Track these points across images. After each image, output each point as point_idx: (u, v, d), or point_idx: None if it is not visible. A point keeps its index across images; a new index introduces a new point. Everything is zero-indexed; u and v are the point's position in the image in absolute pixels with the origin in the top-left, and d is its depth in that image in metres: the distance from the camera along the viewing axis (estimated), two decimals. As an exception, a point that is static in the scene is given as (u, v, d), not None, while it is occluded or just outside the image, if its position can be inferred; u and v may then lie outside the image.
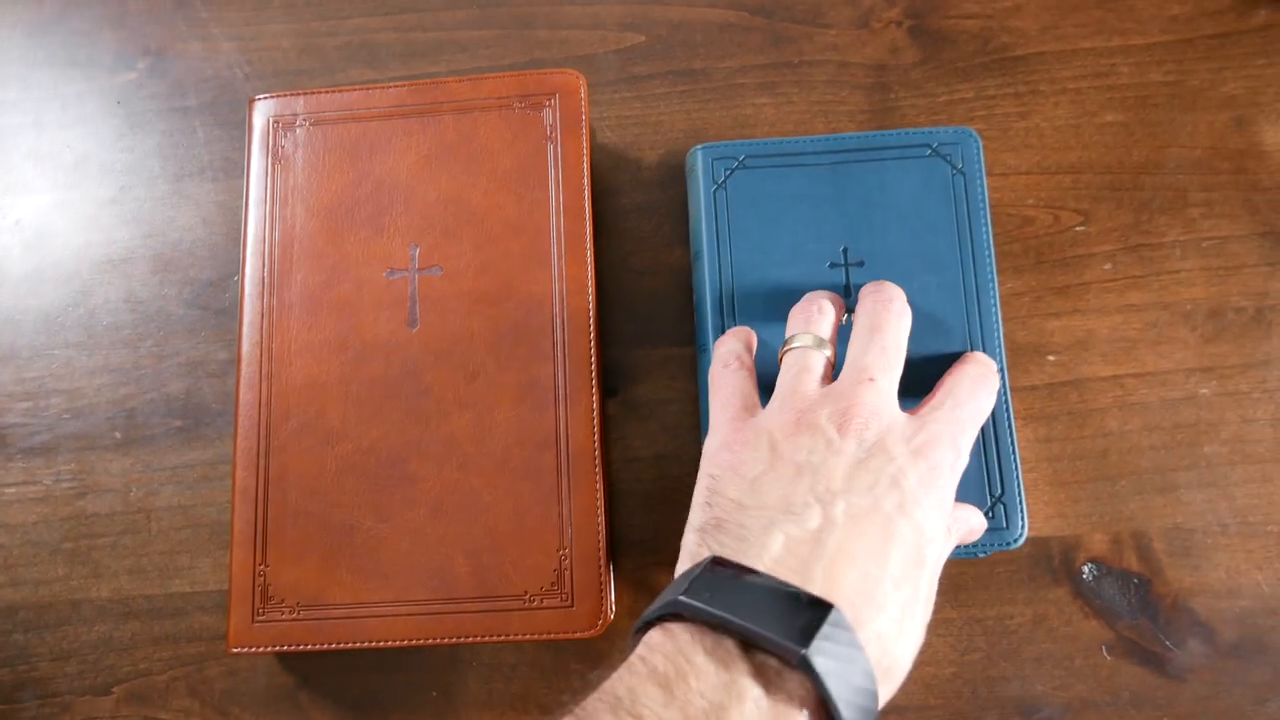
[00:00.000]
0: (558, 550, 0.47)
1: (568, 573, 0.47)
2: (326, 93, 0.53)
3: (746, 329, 0.47)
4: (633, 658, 0.36)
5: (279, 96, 0.53)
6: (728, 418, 0.43)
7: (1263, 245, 0.53)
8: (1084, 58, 0.56)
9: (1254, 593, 0.49)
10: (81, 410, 0.55)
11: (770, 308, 0.49)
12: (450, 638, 0.46)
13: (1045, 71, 0.56)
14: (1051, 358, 0.52)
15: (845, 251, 0.50)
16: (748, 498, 0.39)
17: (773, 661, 0.34)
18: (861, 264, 0.50)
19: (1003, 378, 0.48)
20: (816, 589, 0.36)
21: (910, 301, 0.48)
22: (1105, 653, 0.49)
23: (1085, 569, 0.50)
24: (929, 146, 0.51)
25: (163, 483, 0.53)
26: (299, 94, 0.53)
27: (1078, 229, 0.53)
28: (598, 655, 0.50)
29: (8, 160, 0.58)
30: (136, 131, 0.58)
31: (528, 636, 0.46)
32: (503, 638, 0.46)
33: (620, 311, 0.54)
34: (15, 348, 0.56)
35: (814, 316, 0.45)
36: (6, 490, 0.54)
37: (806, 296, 0.46)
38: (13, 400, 0.55)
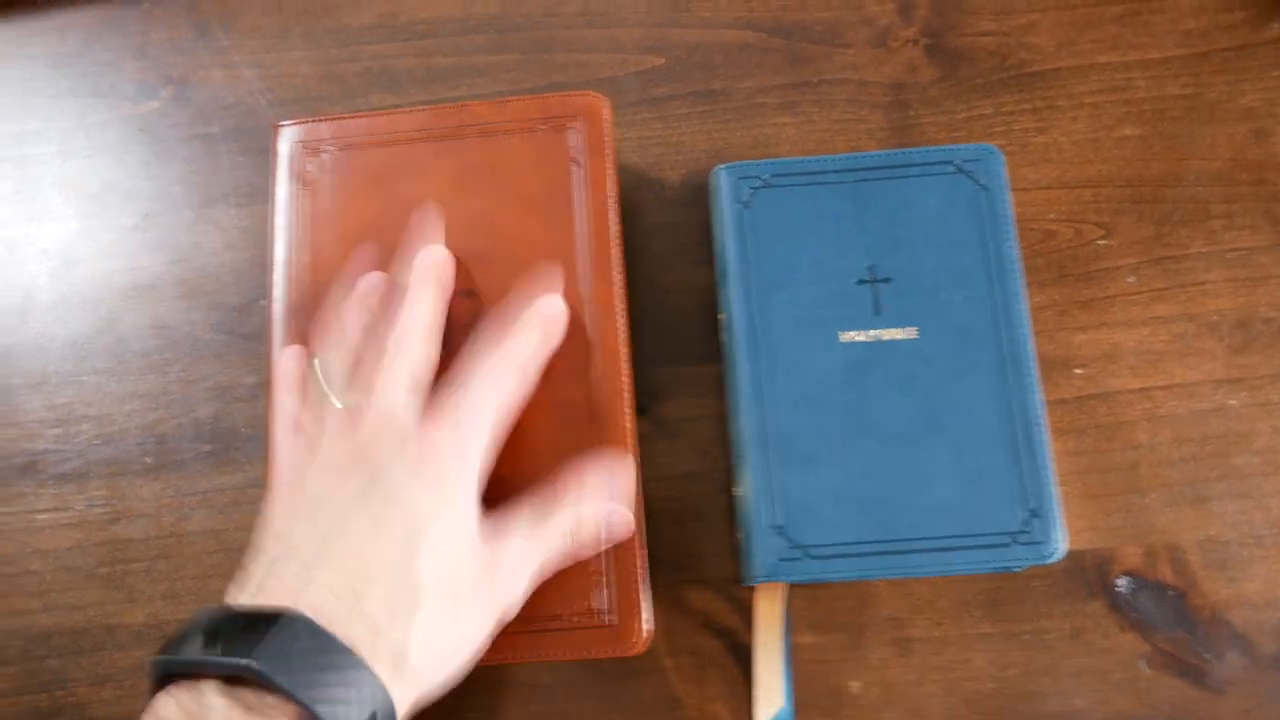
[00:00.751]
0: (596, 570, 0.47)
1: (607, 591, 0.47)
2: (351, 118, 0.53)
3: (302, 364, 0.47)
4: None
5: (304, 122, 0.53)
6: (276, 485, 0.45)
7: (1287, 256, 0.53)
8: (1101, 72, 0.56)
9: (1290, 603, 0.49)
10: (112, 436, 0.55)
11: (799, 325, 0.50)
12: (490, 659, 0.46)
13: (1063, 87, 0.56)
14: (1079, 371, 0.52)
15: (872, 268, 0.50)
16: (257, 545, 0.41)
17: (248, 691, 0.35)
18: (888, 280, 0.50)
19: (1036, 389, 0.48)
20: (289, 599, 0.37)
21: (940, 316, 0.49)
22: (1144, 666, 0.49)
23: (1120, 582, 0.50)
24: (952, 163, 0.51)
25: (194, 507, 0.54)
26: (324, 119, 0.53)
27: (1100, 242, 0.54)
28: (634, 672, 0.50)
29: (34, 189, 0.59)
30: (161, 159, 0.59)
31: (568, 656, 0.46)
32: (544, 658, 0.46)
33: (646, 330, 0.54)
34: (45, 374, 0.56)
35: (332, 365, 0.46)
36: (39, 516, 0.54)
37: (329, 334, 0.47)
38: (44, 426, 0.55)
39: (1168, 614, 0.49)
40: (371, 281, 0.49)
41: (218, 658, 0.35)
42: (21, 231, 0.58)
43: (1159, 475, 0.51)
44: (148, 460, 0.54)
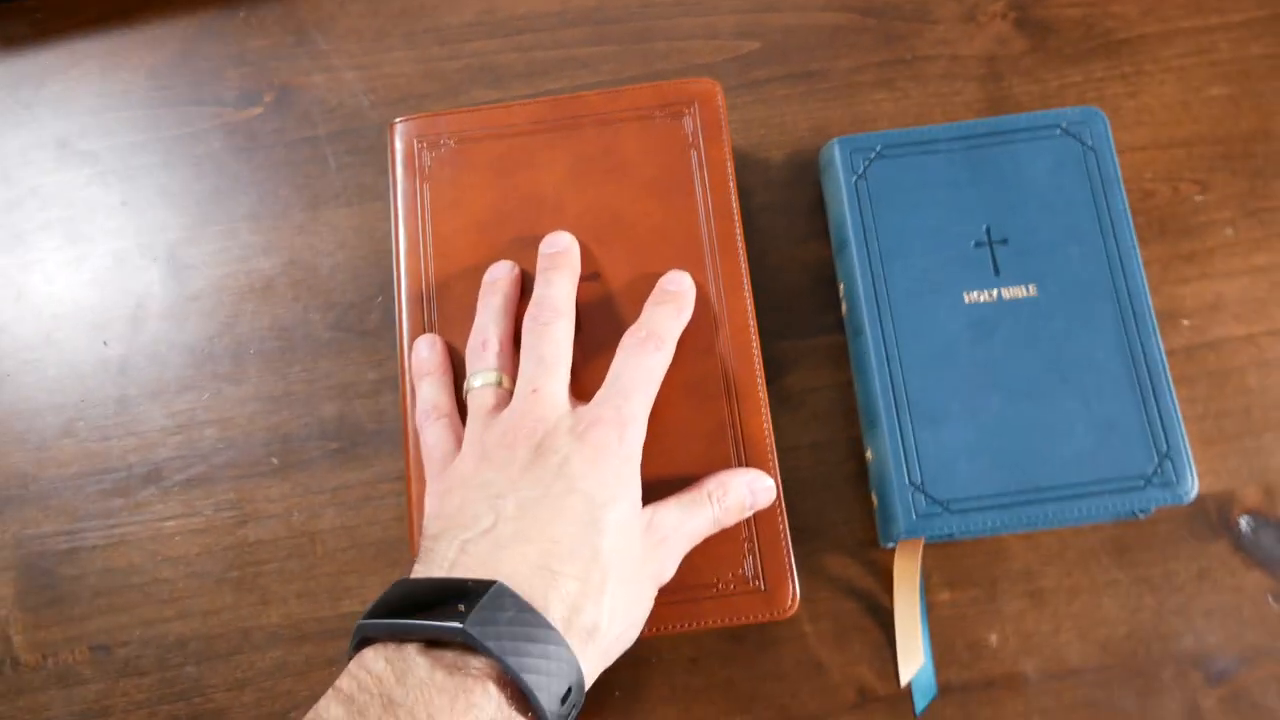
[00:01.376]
0: (743, 537, 0.48)
1: (755, 557, 0.48)
2: (467, 112, 0.54)
3: (437, 351, 0.50)
4: (328, 690, 0.38)
5: (420, 118, 0.54)
6: (432, 474, 0.48)
7: (1377, 201, 0.55)
8: (1185, 36, 0.58)
9: None
10: (235, 439, 0.55)
11: (921, 290, 0.51)
12: (649, 631, 0.47)
13: (1149, 52, 0.58)
14: (1186, 322, 0.54)
15: (988, 231, 0.52)
16: (438, 527, 0.43)
17: (449, 652, 0.37)
18: (1005, 242, 0.51)
19: (1156, 335, 0.49)
20: (487, 575, 0.39)
21: (1058, 273, 0.50)
22: (1272, 601, 0.50)
23: (1242, 522, 0.51)
24: (1059, 126, 0.53)
25: (324, 505, 0.54)
26: (439, 115, 0.54)
27: (1197, 198, 0.56)
28: (776, 641, 0.51)
29: (142, 199, 0.59)
30: (267, 164, 0.59)
31: (723, 622, 0.47)
32: (699, 625, 0.47)
33: (763, 307, 0.55)
34: (164, 382, 0.56)
35: (478, 353, 0.49)
36: (167, 524, 0.54)
37: (474, 326, 0.50)
38: (165, 434, 0.55)
39: (1289, 551, 0.51)
40: (501, 268, 0.50)
41: (429, 621, 0.37)
42: (131, 242, 0.59)
43: (1271, 417, 0.52)
44: (274, 461, 0.55)
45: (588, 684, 0.40)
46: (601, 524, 0.41)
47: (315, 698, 0.36)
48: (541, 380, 0.46)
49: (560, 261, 0.50)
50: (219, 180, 0.59)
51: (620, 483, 0.43)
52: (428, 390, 0.49)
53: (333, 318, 0.57)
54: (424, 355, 0.50)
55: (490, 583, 0.38)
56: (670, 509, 0.45)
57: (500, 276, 0.50)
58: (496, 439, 0.45)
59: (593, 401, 0.46)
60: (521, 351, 0.48)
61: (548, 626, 0.38)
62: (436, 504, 0.45)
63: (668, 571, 0.45)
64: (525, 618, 0.38)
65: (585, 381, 0.49)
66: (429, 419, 0.49)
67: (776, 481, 0.48)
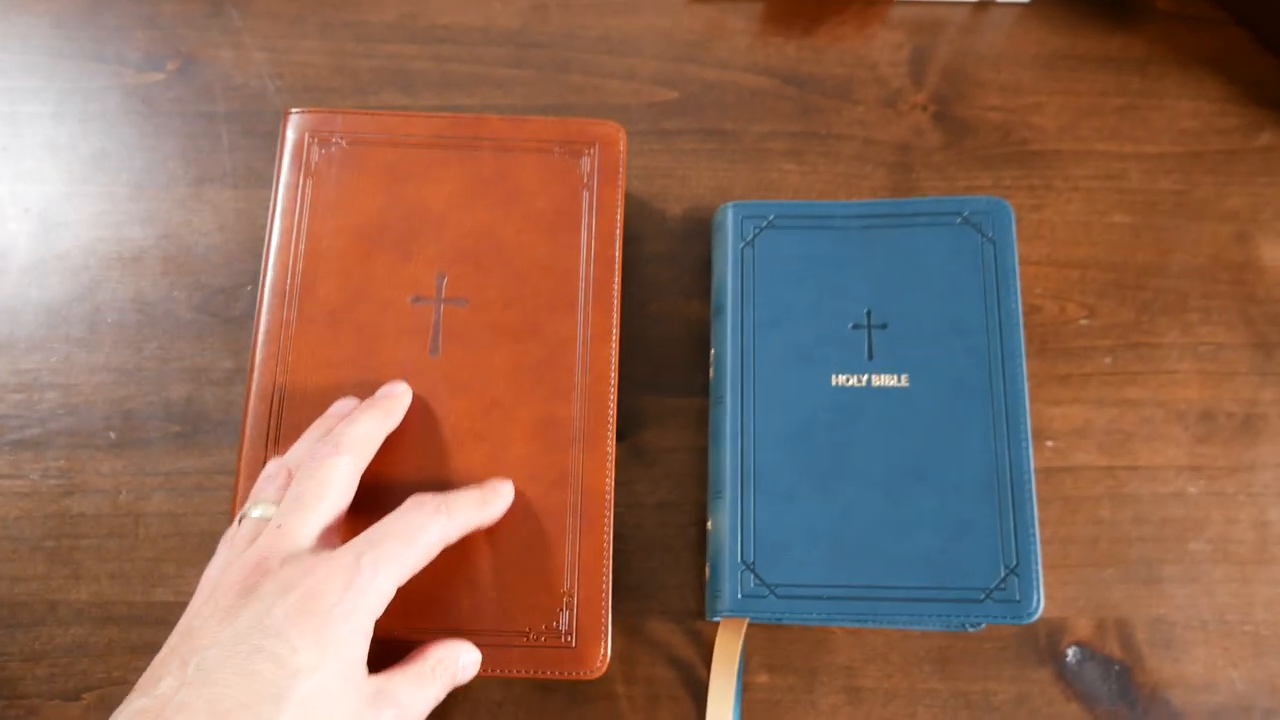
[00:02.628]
0: (563, 590, 0.47)
1: (572, 612, 0.47)
2: (365, 114, 0.53)
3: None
4: None
5: (316, 112, 0.53)
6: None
7: (1255, 355, 0.55)
8: (1098, 159, 0.58)
9: (1228, 690, 0.50)
10: (77, 407, 0.53)
11: (790, 364, 0.50)
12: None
13: (1061, 169, 0.58)
14: (1050, 443, 0.54)
15: (869, 314, 0.51)
16: (147, 672, 0.39)
17: None
18: (885, 326, 0.51)
19: (1029, 445, 0.49)
20: None
21: (934, 365, 0.49)
22: (1084, 736, 0.50)
23: (1069, 652, 0.51)
24: (959, 214, 0.52)
25: (155, 488, 0.52)
26: (337, 112, 0.53)
27: (1082, 322, 0.55)
28: (587, 697, 0.50)
29: (24, 148, 0.57)
30: (160, 132, 0.58)
31: (528, 674, 0.46)
32: (503, 673, 0.46)
33: (633, 357, 0.54)
34: (14, 338, 0.54)
35: (269, 480, 0.45)
36: (-11, 482, 0.52)
37: (288, 451, 0.47)
38: (6, 391, 0.54)
39: (1111, 688, 0.50)
40: (347, 404, 0.48)
41: None
42: (6, 189, 0.57)
43: (1117, 552, 0.52)
44: (111, 435, 0.53)
45: None
46: (286, 697, 0.36)
47: (112, 681, 0.33)
48: (290, 517, 0.41)
49: (379, 403, 0.47)
50: (106, 141, 0.58)
51: (331, 646, 0.38)
52: (363, 422, 0.46)
53: (198, 299, 0.55)
54: (390, 392, 0.48)
55: None
56: (401, 682, 0.42)
57: (343, 411, 0.47)
58: (227, 577, 0.40)
59: (335, 547, 0.42)
60: (295, 474, 0.44)
61: None
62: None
63: None
64: None
65: (441, 415, 0.49)
66: (331, 451, 0.44)
67: (607, 540, 0.47)
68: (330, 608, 0.39)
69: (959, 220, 0.52)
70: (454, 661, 0.44)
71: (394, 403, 0.48)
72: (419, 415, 0.49)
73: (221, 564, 0.42)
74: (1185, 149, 0.58)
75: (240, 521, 0.44)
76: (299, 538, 0.41)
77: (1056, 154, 0.58)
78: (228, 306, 0.55)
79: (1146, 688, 0.50)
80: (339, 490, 0.43)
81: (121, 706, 0.36)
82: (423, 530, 0.43)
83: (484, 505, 0.46)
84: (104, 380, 0.54)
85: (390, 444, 0.48)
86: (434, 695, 0.43)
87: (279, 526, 0.41)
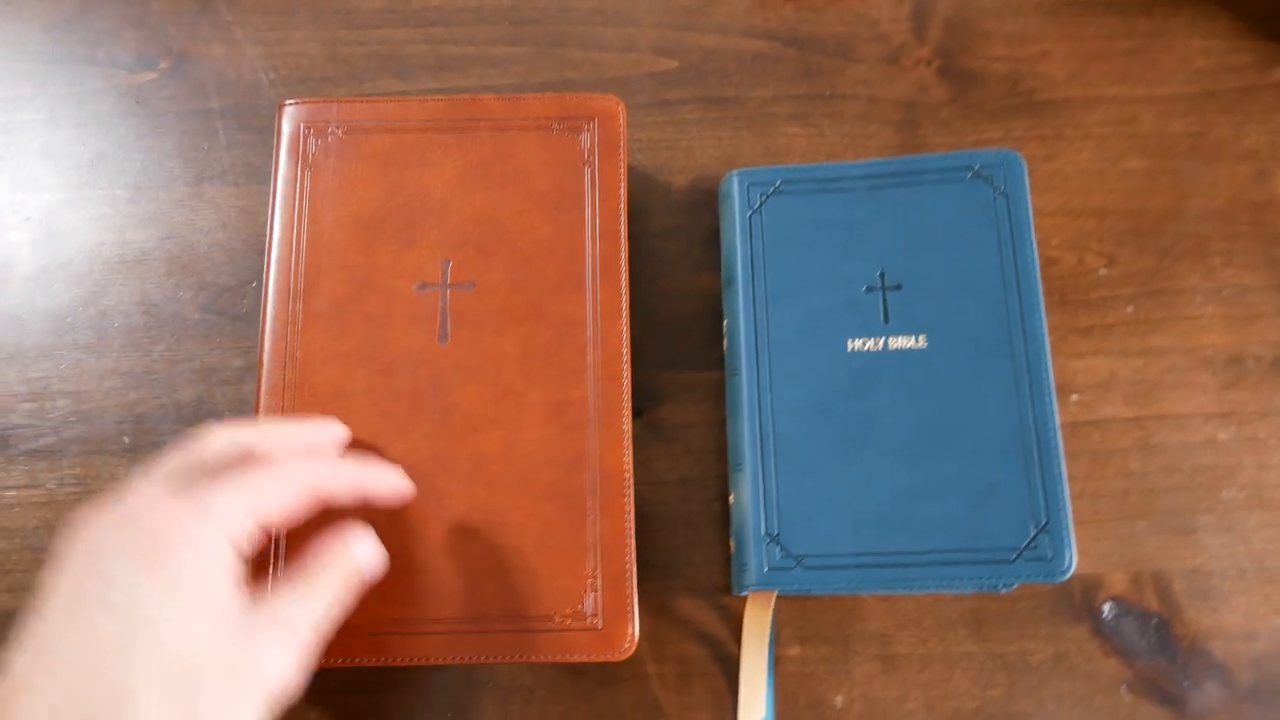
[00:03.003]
0: (586, 572, 0.46)
1: (596, 595, 0.46)
2: (360, 101, 0.52)
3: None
4: None
5: (310, 102, 0.52)
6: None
7: (1280, 296, 0.54)
8: (1109, 105, 0.57)
9: (1271, 637, 0.49)
10: (89, 413, 0.53)
11: (804, 332, 0.49)
12: (476, 658, 0.45)
13: (1071, 116, 0.57)
14: (1074, 397, 0.52)
15: (882, 276, 0.50)
16: None
17: None
18: (899, 288, 0.50)
19: (1052, 399, 0.48)
20: None
21: (951, 325, 0.49)
22: (1124, 692, 0.49)
23: (1105, 608, 0.50)
24: (970, 169, 0.51)
25: (171, 492, 0.52)
26: (331, 101, 0.52)
27: (1101, 272, 0.54)
28: (617, 679, 0.49)
29: (20, 156, 0.57)
30: (156, 132, 0.57)
31: (555, 658, 0.45)
32: (529, 659, 0.45)
33: (646, 333, 0.53)
34: (22, 347, 0.54)
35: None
36: (7, 493, 0.52)
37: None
38: (17, 400, 0.53)
39: (1150, 641, 0.50)
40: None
41: None
42: (5, 199, 0.56)
43: (1148, 504, 0.51)
44: (125, 440, 0.53)
45: None
46: (134, 643, 0.34)
47: None
48: (143, 475, 0.40)
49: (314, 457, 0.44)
50: (103, 144, 0.57)
51: (182, 583, 0.36)
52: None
53: (205, 299, 0.55)
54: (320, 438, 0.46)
55: None
56: (285, 601, 0.39)
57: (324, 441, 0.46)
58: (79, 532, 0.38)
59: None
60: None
61: None
62: None
63: (287, 669, 0.38)
64: None
65: (452, 402, 0.48)
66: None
67: (628, 519, 0.47)
68: (172, 540, 0.36)
69: (970, 175, 0.51)
70: (344, 559, 0.42)
71: (325, 447, 0.46)
72: (431, 402, 0.48)
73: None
74: (1198, 89, 0.57)
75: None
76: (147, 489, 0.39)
77: (1066, 102, 0.57)
78: (234, 304, 0.55)
79: (1186, 640, 0.50)
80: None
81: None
82: (290, 472, 0.41)
83: (363, 463, 0.44)
84: (114, 385, 0.54)
85: (404, 435, 0.47)
86: (329, 601, 0.40)
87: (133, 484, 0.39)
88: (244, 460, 0.41)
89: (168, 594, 0.35)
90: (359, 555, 0.43)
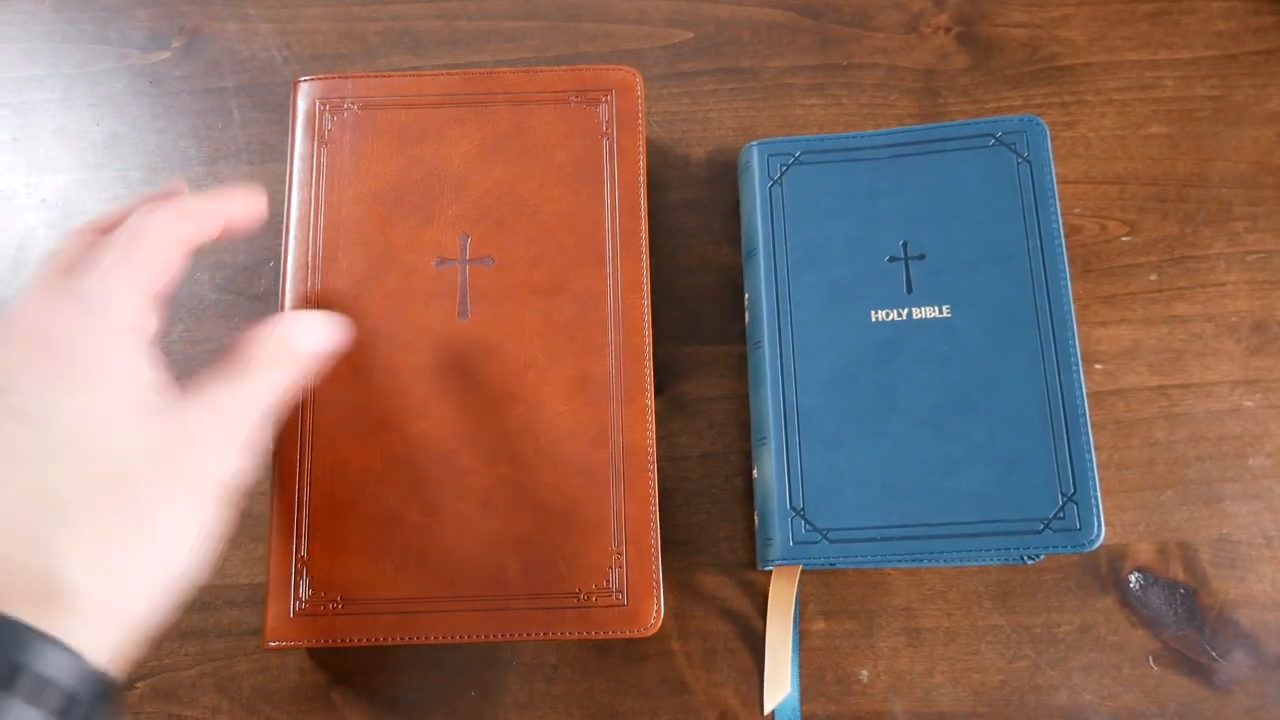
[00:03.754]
0: (611, 548, 0.46)
1: (622, 571, 0.46)
2: (375, 77, 0.52)
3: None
4: None
5: (325, 79, 0.51)
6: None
7: (1307, 260, 0.53)
8: (1130, 70, 0.56)
9: (1299, 605, 0.49)
10: (108, 396, 0.53)
11: (827, 304, 0.49)
12: (501, 635, 0.45)
13: (1092, 82, 0.56)
14: (1099, 366, 0.52)
15: (905, 246, 0.50)
16: None
17: None
18: (923, 257, 0.49)
19: (1079, 368, 0.47)
20: None
21: (975, 294, 0.48)
22: (1152, 663, 0.49)
23: (1132, 578, 0.50)
24: (992, 136, 0.51)
25: (192, 472, 0.52)
26: (346, 77, 0.52)
27: (1124, 239, 0.54)
28: (642, 655, 0.49)
29: (34, 137, 0.57)
30: (170, 112, 0.57)
31: (581, 635, 0.45)
32: (555, 635, 0.45)
33: (666, 308, 0.53)
34: (39, 330, 0.54)
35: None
36: (27, 477, 0.52)
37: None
38: (35, 384, 0.53)
39: (1177, 611, 0.49)
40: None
41: None
42: (21, 181, 0.56)
43: (1174, 473, 0.51)
44: (145, 421, 0.53)
45: (97, 644, 0.30)
46: (54, 449, 0.32)
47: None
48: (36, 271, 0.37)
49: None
50: (118, 124, 0.57)
51: (92, 378, 0.33)
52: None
53: (222, 279, 0.54)
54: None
55: None
56: (214, 383, 0.37)
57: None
58: None
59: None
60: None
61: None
62: None
63: (229, 459, 0.36)
64: None
65: (474, 378, 0.48)
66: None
67: (651, 494, 0.46)
68: (75, 339, 0.34)
69: (992, 142, 0.50)
70: (285, 334, 0.40)
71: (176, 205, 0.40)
72: (452, 379, 0.48)
73: None
74: (1221, 52, 0.56)
75: None
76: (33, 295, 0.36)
77: (1087, 67, 0.56)
78: (252, 284, 0.54)
79: (1213, 609, 0.49)
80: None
81: None
82: (146, 228, 0.38)
83: (219, 195, 0.41)
84: (133, 367, 0.53)
85: (425, 412, 0.47)
86: (270, 386, 0.38)
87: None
88: (102, 244, 0.38)
89: (81, 390, 0.33)
90: (302, 333, 0.41)
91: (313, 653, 0.49)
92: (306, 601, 0.46)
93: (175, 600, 0.34)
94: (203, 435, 0.35)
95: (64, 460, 0.32)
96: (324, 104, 0.51)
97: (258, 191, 0.43)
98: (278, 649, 0.46)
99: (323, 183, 0.50)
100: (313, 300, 0.49)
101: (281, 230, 0.50)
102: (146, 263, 0.37)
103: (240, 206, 0.42)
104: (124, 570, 0.32)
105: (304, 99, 0.51)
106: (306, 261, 0.49)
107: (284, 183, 0.50)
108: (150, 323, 0.37)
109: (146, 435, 0.34)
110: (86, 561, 0.31)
